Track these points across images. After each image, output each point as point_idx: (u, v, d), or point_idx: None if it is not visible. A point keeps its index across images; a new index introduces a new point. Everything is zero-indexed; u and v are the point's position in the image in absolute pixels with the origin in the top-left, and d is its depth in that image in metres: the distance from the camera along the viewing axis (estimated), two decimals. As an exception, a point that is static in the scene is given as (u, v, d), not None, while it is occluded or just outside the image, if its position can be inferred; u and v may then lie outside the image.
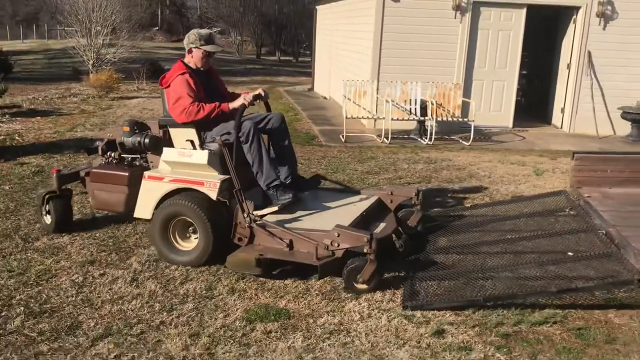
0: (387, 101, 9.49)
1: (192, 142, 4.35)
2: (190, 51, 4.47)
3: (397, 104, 9.64)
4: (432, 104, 9.45)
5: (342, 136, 9.25)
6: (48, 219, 4.76)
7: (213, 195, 4.13)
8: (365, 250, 3.75)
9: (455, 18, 10.11)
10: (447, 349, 3.19)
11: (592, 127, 10.49)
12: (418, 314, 3.56)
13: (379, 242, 3.82)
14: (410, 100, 9.62)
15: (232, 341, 3.23)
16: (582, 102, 10.64)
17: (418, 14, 10.02)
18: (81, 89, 14.73)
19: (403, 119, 9.58)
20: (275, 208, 4.32)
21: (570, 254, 3.98)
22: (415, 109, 9.56)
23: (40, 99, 12.90)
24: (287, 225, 4.10)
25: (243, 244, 4.11)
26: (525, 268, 3.93)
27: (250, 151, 4.32)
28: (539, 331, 3.40)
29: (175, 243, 4.24)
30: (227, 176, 4.19)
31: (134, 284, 3.91)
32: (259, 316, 3.49)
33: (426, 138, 9.34)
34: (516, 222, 4.83)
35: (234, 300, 3.70)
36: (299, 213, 4.39)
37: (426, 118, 9.41)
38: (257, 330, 3.34)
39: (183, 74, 4.34)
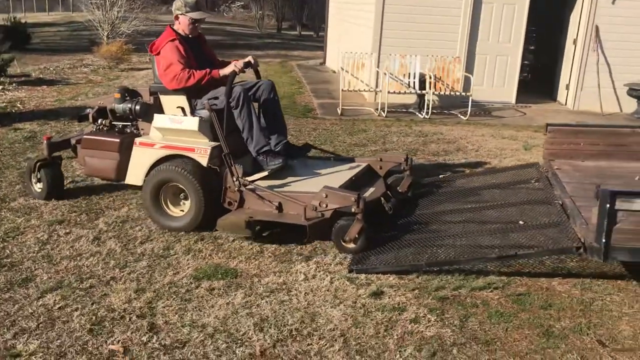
0: (384, 74, 9.45)
1: (182, 109, 4.39)
2: (177, 17, 4.47)
3: (395, 77, 9.60)
4: (431, 77, 9.38)
5: (339, 109, 9.27)
6: (38, 187, 4.84)
7: (204, 161, 4.20)
8: (353, 210, 3.82)
9: (459, -10, 9.95)
10: (381, 309, 3.27)
11: (597, 104, 10.30)
12: (362, 276, 3.64)
13: (367, 203, 3.89)
14: (409, 73, 9.56)
15: (174, 296, 3.36)
16: (588, 78, 10.43)
17: (421, -14, 9.89)
18: (94, 60, 14.91)
19: (400, 92, 9.55)
20: (265, 173, 4.38)
21: (521, 222, 4.00)
22: (414, 82, 9.51)
23: (52, 69, 13.14)
24: (276, 189, 4.18)
25: (233, 208, 4.20)
26: (479, 236, 3.96)
27: (241, 117, 4.36)
28: (478, 295, 3.46)
29: (166, 209, 4.33)
30: (217, 143, 4.25)
31: (96, 242, 4.07)
32: (207, 274, 3.62)
33: (424, 112, 9.30)
34: (483, 193, 4.84)
35: (187, 260, 3.83)
36: (288, 178, 4.46)
37: (424, 92, 9.35)
38: (202, 287, 3.47)
39: (173, 40, 4.36)
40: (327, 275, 3.65)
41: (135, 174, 4.42)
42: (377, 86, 9.62)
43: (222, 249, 4.02)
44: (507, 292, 3.50)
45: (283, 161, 4.44)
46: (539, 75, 12.00)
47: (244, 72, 4.45)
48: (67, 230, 4.25)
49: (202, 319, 3.13)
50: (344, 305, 3.30)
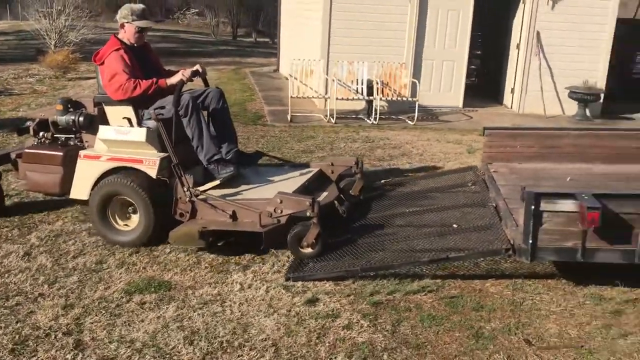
0: (333, 81, 9.50)
1: (129, 119, 4.28)
2: (122, 26, 4.36)
3: (344, 83, 9.66)
4: (378, 83, 9.47)
5: (288, 116, 9.26)
6: None
7: (152, 173, 4.10)
8: (308, 214, 3.80)
9: (404, -3, 10.09)
10: (315, 316, 3.27)
11: (541, 107, 10.59)
12: (299, 284, 3.63)
13: (322, 207, 3.87)
14: (357, 80, 9.63)
15: (104, 312, 3.28)
16: (531, 82, 10.71)
17: (367, -7, 9.98)
18: (40, 69, 14.53)
19: (349, 99, 9.61)
20: (217, 182, 4.29)
21: (455, 226, 4.06)
22: (362, 88, 9.58)
23: (-6, 79, 12.76)
24: (229, 198, 4.11)
25: (185, 219, 4.10)
26: (415, 240, 4.00)
27: (190, 125, 4.28)
28: (412, 299, 3.49)
29: (114, 223, 4.21)
30: (166, 154, 4.16)
31: (26, 258, 3.94)
32: (139, 288, 3.54)
33: (372, 118, 9.37)
34: (423, 197, 4.90)
35: (120, 274, 3.75)
36: (241, 187, 4.39)
37: (372, 98, 9.43)
38: (133, 302, 3.40)
39: (118, 50, 4.25)
40: (263, 285, 3.62)
41: (80, 188, 4.27)
42: (326, 93, 9.65)
43: (157, 261, 3.95)
44: (441, 295, 3.55)
45: (234, 169, 4.39)
46: (486, 79, 12.26)
47: (191, 80, 4.38)
48: (-4, 247, 4.11)
49: (131, 334, 3.07)
50: (278, 314, 3.28)
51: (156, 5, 46.80)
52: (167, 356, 2.88)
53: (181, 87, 4.25)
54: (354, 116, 9.67)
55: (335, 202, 4.30)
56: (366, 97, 9.56)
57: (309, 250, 3.87)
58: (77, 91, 11.53)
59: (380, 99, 9.74)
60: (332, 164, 4.93)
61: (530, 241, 3.32)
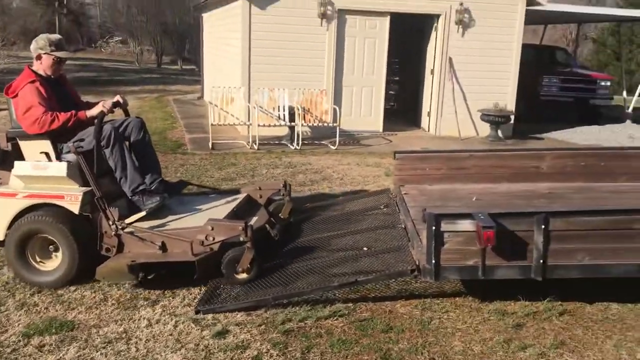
0: (254, 107, 9.53)
1: (47, 154, 4.10)
2: (39, 57, 4.19)
3: (265, 110, 9.71)
4: (299, 109, 9.58)
5: (209, 143, 9.19)
6: None
7: (75, 209, 3.92)
8: (241, 239, 3.75)
9: (322, 26, 10.31)
10: (224, 349, 3.21)
11: (456, 129, 11.01)
12: (209, 317, 3.57)
13: (254, 231, 3.82)
14: (279, 106, 9.71)
15: (-2, 357, 3.10)
16: (446, 105, 11.16)
17: (285, 22, 10.13)
18: (-54, 102, 13.78)
19: (271, 125, 9.66)
20: (143, 213, 4.14)
21: (365, 249, 4.13)
22: (284, 115, 9.66)
23: None
24: (157, 229, 3.99)
25: (112, 254, 3.94)
26: (327, 265, 4.02)
27: (113, 156, 4.15)
28: (323, 325, 3.50)
29: (34, 263, 3.99)
30: (88, 188, 3.99)
31: None
32: (39, 330, 3.38)
33: (295, 143, 9.45)
34: (337, 221, 4.95)
35: (19, 316, 3.56)
36: (168, 217, 4.26)
37: (294, 124, 9.52)
38: (31, 345, 3.23)
39: (33, 82, 4.08)
40: (172, 319, 3.53)
41: None
42: (248, 119, 9.65)
43: (60, 300, 3.78)
44: (352, 319, 3.58)
45: (160, 199, 4.28)
46: (405, 104, 12.64)
47: (112, 112, 4.26)
48: None
49: (27, 380, 2.92)
50: (186, 349, 3.21)
51: (77, 33, 45.68)
52: (65, 401, 2.75)
53: (102, 119, 4.14)
54: (277, 142, 9.72)
55: (267, 225, 4.28)
56: (288, 124, 9.64)
57: (244, 275, 3.84)
58: (-14, 124, 10.99)
59: (303, 125, 9.87)
60: (260, 188, 4.95)
61: (434, 261, 3.41)
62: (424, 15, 10.96)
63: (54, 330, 3.38)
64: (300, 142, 9.37)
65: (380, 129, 11.07)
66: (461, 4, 10.68)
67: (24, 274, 3.98)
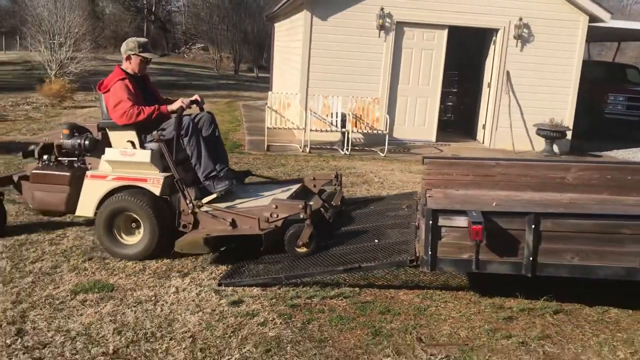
0: (309, 113, 10.03)
1: (132, 142, 4.65)
2: (128, 58, 4.79)
3: (319, 116, 10.18)
4: (350, 116, 9.99)
5: (265, 145, 9.76)
6: None
7: (157, 191, 4.46)
8: (302, 217, 4.25)
9: (379, 37, 10.68)
10: (235, 315, 3.66)
11: (510, 143, 11.07)
12: (230, 289, 4.03)
13: (314, 218, 4.31)
14: (332, 113, 10.16)
15: (48, 307, 3.68)
16: (501, 119, 11.23)
17: (344, 32, 10.58)
18: (39, 98, 15.17)
19: (323, 130, 10.12)
20: (215, 195, 4.70)
21: (376, 241, 4.46)
22: (336, 121, 10.09)
23: (-8, 106, 13.36)
24: (228, 208, 4.52)
25: (188, 230, 4.50)
26: (342, 252, 4.38)
27: (190, 144, 4.71)
28: (328, 303, 3.88)
29: (119, 238, 4.55)
30: (168, 173, 4.56)
31: (-12, 262, 4.36)
32: (84, 289, 3.95)
33: (345, 148, 9.86)
34: (362, 216, 5.30)
35: (70, 277, 4.16)
36: (235, 200, 4.81)
37: (344, 130, 9.93)
38: (76, 299, 3.80)
39: (122, 79, 4.66)
40: (196, 289, 4.02)
41: (86, 206, 4.58)
42: (303, 124, 10.15)
43: (106, 267, 4.37)
44: (355, 300, 3.94)
45: (229, 183, 4.80)
46: (462, 116, 12.77)
47: (190, 107, 4.82)
48: (-36, 253, 4.54)
49: (68, 325, 3.46)
50: (203, 313, 3.68)
51: (163, 39, 48.12)
52: (96, 343, 3.27)
53: (181, 113, 4.70)
54: (329, 147, 10.17)
55: (322, 209, 4.74)
56: (340, 129, 10.06)
57: (303, 249, 4.30)
58: (71, 118, 12.07)
59: (355, 132, 10.27)
60: (314, 178, 5.40)
61: (430, 253, 3.72)
62: (482, 29, 11.10)
63: (96, 290, 3.94)
64: (349, 148, 9.77)
65: (434, 139, 11.28)
66: (520, 19, 10.76)
67: (110, 247, 4.54)
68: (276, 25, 16.85)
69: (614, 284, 3.87)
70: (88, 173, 4.65)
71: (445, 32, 10.85)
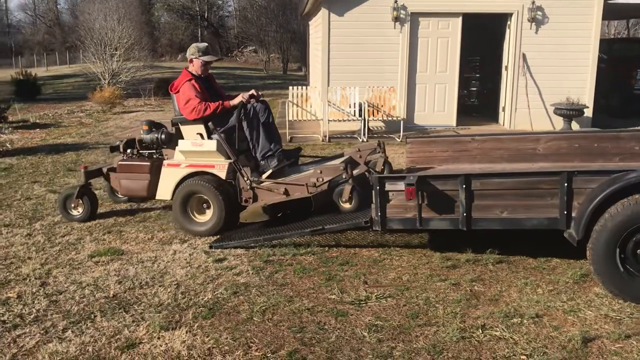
0: (328, 104, 10.70)
1: (201, 134, 5.33)
2: (191, 61, 5.46)
3: (337, 106, 10.83)
4: (366, 104, 10.59)
5: (287, 136, 10.50)
6: (76, 212, 5.65)
7: (223, 175, 5.15)
8: (344, 177, 4.97)
9: (395, 28, 11.20)
10: (217, 268, 4.40)
11: (529, 123, 11.35)
12: (219, 251, 4.78)
13: (355, 177, 4.98)
14: (351, 103, 10.78)
15: (68, 266, 4.53)
16: (520, 100, 11.52)
17: (361, 26, 11.15)
18: (93, 105, 16.52)
19: (343, 120, 10.76)
20: (270, 171, 5.34)
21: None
22: (354, 110, 10.70)
23: (51, 115, 14.73)
24: (279, 181, 5.26)
25: (249, 204, 5.25)
26: (312, 217, 5.05)
27: (250, 126, 5.38)
28: (297, 259, 4.56)
29: (193, 217, 5.23)
30: (232, 160, 5.19)
31: (28, 236, 5.28)
32: (100, 253, 4.79)
33: (364, 136, 10.47)
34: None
35: (90, 245, 5.02)
36: (289, 174, 5.47)
37: (360, 118, 10.54)
38: (92, 261, 4.64)
39: (190, 80, 5.32)
40: (190, 251, 4.80)
41: (164, 190, 5.29)
42: (324, 115, 10.82)
43: (121, 237, 5.21)
44: (321, 256, 4.60)
45: (283, 160, 5.46)
46: (485, 99, 13.08)
47: (249, 102, 5.49)
48: (9, 230, 5.48)
49: (81, 278, 4.30)
50: (190, 267, 4.44)
51: (216, 44, 49.79)
52: (100, 290, 4.08)
53: (242, 107, 5.41)
54: (349, 136, 10.79)
55: (366, 173, 5.37)
56: (359, 118, 10.68)
57: (347, 205, 4.95)
58: (118, 122, 13.23)
59: (373, 120, 10.86)
60: (360, 150, 5.72)
61: (379, 214, 4.32)
62: (496, 14, 11.42)
63: (109, 254, 4.77)
64: (367, 135, 10.36)
65: (454, 124, 11.68)
66: (533, 2, 11.02)
67: (185, 225, 5.21)
68: (310, 23, 17.57)
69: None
70: (165, 162, 5.35)
71: (460, 19, 11.24)
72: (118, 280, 4.24)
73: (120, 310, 3.76)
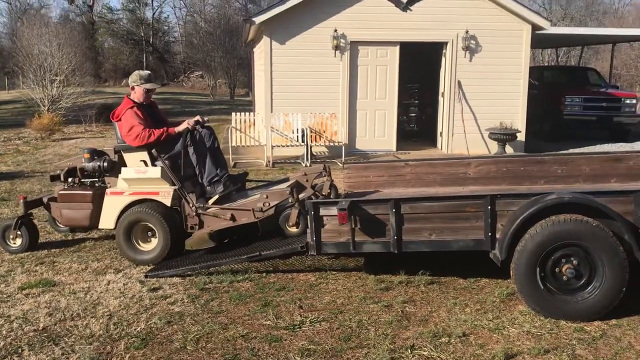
0: (272, 130, 10.80)
1: (144, 162, 5.30)
2: (133, 88, 5.43)
3: (281, 132, 10.95)
4: (309, 130, 10.75)
5: (231, 162, 10.52)
6: (14, 244, 5.55)
7: (168, 202, 5.14)
8: (290, 201, 4.97)
9: (335, 56, 11.47)
10: (151, 298, 4.36)
11: (466, 148, 11.76)
12: (154, 280, 4.74)
13: (301, 201, 4.99)
14: (293, 129, 10.92)
15: (-4, 300, 4.42)
16: (457, 125, 11.94)
17: (302, 54, 11.37)
18: (31, 132, 16.06)
19: (286, 146, 10.88)
20: (216, 197, 5.33)
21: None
22: (297, 136, 10.85)
23: (-15, 142, 14.24)
24: (226, 206, 5.23)
25: (195, 230, 5.19)
26: (251, 244, 5.09)
27: (196, 152, 5.40)
28: (234, 286, 4.58)
29: (137, 246, 5.16)
30: (177, 186, 5.19)
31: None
32: (31, 285, 4.67)
33: (307, 161, 10.60)
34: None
35: (21, 277, 4.89)
36: (234, 200, 5.44)
37: (303, 144, 10.68)
38: (22, 293, 4.52)
39: (132, 107, 5.30)
40: (125, 281, 4.74)
41: (107, 219, 5.23)
42: (268, 141, 10.91)
43: (54, 268, 5.09)
44: (259, 283, 4.63)
45: (229, 186, 5.50)
46: (424, 125, 13.48)
47: (195, 128, 5.48)
48: None
49: (10, 311, 4.18)
50: (124, 297, 4.39)
51: (162, 69, 49.33)
52: (29, 322, 3.98)
53: (187, 134, 5.40)
54: (292, 161, 10.90)
55: (312, 196, 5.38)
56: (302, 143, 10.81)
57: (294, 229, 4.99)
58: (57, 149, 12.93)
59: (316, 145, 11.02)
60: (305, 174, 5.75)
61: (315, 238, 4.41)
62: (432, 42, 11.86)
63: (40, 286, 4.66)
64: (310, 160, 10.50)
65: (394, 148, 11.98)
66: (467, 32, 11.51)
67: (130, 254, 5.14)
68: (254, 49, 17.72)
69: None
70: (108, 190, 5.29)
71: (397, 48, 11.62)
72: (49, 312, 4.15)
73: (49, 343, 3.68)
